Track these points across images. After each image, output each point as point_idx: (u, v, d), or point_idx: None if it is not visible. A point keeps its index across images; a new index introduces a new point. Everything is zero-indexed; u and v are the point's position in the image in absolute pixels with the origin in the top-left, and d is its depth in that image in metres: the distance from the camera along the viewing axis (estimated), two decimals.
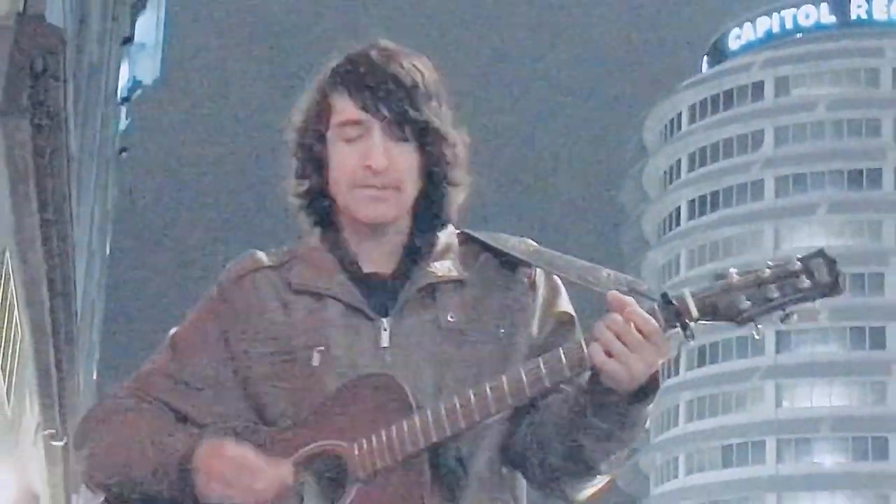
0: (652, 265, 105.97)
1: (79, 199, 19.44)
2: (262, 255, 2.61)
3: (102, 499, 2.53)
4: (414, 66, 2.50)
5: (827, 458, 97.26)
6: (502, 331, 2.51)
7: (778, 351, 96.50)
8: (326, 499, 2.35)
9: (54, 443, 22.71)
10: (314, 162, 2.54)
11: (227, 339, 2.52)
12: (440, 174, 2.54)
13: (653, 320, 2.29)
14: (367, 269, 2.53)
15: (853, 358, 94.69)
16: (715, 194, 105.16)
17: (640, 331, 2.27)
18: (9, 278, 14.53)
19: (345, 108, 2.48)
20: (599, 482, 2.50)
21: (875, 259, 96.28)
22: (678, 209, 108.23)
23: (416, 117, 2.47)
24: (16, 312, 15.77)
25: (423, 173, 2.52)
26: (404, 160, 2.48)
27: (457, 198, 2.58)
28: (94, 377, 41.96)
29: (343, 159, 2.49)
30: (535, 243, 2.59)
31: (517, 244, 2.58)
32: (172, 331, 2.60)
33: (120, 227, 47.26)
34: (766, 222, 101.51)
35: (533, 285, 2.57)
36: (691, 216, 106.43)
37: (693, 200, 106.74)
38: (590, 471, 2.45)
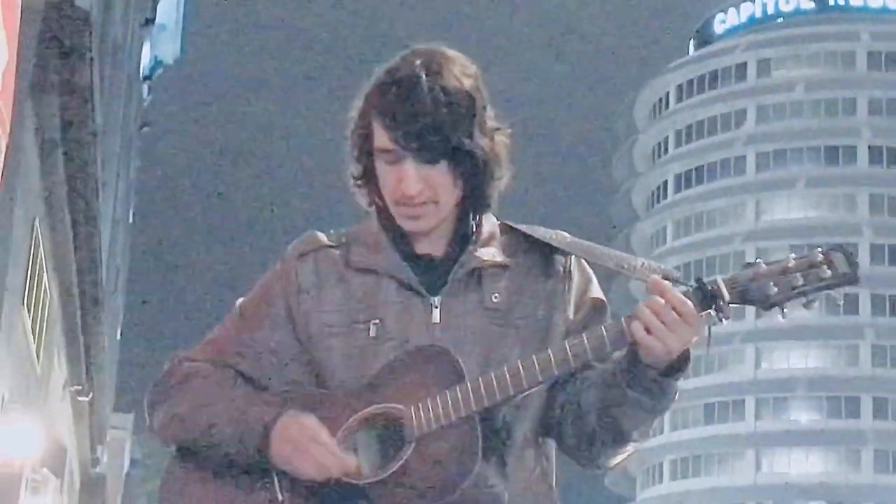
0: (641, 235, 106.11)
1: (103, 170, 19.41)
2: (322, 235, 2.64)
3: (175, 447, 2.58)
4: (444, 84, 2.45)
5: (803, 416, 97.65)
6: (541, 313, 2.55)
7: (757, 316, 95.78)
8: (384, 456, 2.39)
9: (80, 398, 22.76)
10: (366, 154, 2.56)
11: (290, 311, 2.56)
12: (478, 180, 2.54)
13: (689, 303, 2.35)
14: (419, 250, 2.57)
15: (828, 323, 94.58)
16: (700, 169, 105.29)
17: (677, 312, 2.34)
18: (38, 244, 14.53)
19: (381, 136, 2.49)
20: (628, 450, 2.57)
21: (849, 230, 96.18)
22: (665, 183, 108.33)
23: (444, 147, 2.46)
24: (45, 276, 15.78)
25: (461, 180, 2.53)
26: (439, 179, 2.49)
27: (497, 188, 2.60)
28: (118, 337, 41.98)
29: (384, 178, 2.53)
30: (568, 235, 2.63)
31: (554, 235, 2.62)
32: (240, 300, 2.65)
33: (142, 196, 47.22)
34: (748, 195, 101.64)
35: (568, 273, 2.61)
36: (678, 189, 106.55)
37: (679, 175, 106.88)
38: (622, 439, 2.51)
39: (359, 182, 2.60)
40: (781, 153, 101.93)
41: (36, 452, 13.91)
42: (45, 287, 16.03)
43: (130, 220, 44.02)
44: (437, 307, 2.51)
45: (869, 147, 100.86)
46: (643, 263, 2.54)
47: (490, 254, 2.56)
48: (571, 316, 2.58)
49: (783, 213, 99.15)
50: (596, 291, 2.65)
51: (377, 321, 2.50)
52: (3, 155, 3.99)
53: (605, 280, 2.75)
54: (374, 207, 2.62)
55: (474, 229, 2.59)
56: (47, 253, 15.69)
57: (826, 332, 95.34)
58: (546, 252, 2.61)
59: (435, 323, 2.49)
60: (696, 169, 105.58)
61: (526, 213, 2.62)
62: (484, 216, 2.62)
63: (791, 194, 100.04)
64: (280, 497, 2.44)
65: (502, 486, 2.43)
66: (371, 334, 2.49)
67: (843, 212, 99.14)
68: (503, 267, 2.56)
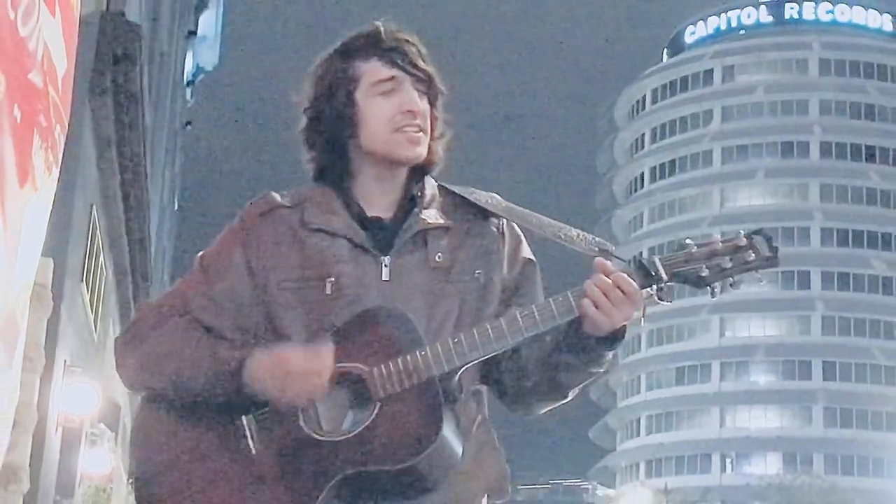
0: (620, 220, 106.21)
1: (152, 163, 19.43)
2: (278, 195, 2.56)
3: (145, 395, 2.49)
4: (414, 39, 2.53)
5: (761, 378, 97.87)
6: (479, 271, 2.49)
7: (721, 290, 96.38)
8: (351, 413, 2.31)
9: (116, 352, 22.77)
10: (345, 120, 2.50)
11: (250, 266, 2.47)
12: (435, 126, 2.55)
13: (633, 283, 2.31)
14: (370, 213, 2.50)
15: (783, 296, 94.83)
16: (672, 162, 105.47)
17: (622, 290, 2.29)
18: (95, 228, 14.52)
19: (377, 69, 2.48)
20: (560, 403, 2.53)
21: (802, 215, 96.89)
22: (642, 174, 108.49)
23: (431, 74, 2.51)
24: (101, 256, 15.77)
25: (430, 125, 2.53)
26: (425, 109, 2.50)
27: (439, 150, 2.58)
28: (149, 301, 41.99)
29: (381, 111, 2.47)
30: (501, 199, 2.58)
31: (489, 199, 2.56)
32: (200, 253, 2.56)
33: (185, 186, 47.20)
34: (714, 185, 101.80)
35: (502, 234, 2.55)
36: (653, 180, 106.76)
37: (655, 167, 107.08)
38: (559, 394, 2.48)
39: (339, 142, 2.53)
40: (743, 148, 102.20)
41: (93, 410, 13.91)
42: (102, 265, 16.03)
43: (176, 207, 44.00)
44: (386, 266, 2.43)
45: (820, 143, 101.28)
46: (578, 234, 2.47)
47: (433, 216, 2.50)
48: (506, 273, 2.52)
49: (745, 201, 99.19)
50: (526, 251, 2.59)
51: (332, 279, 2.41)
52: (62, 149, 3.95)
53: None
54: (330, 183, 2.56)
55: (420, 193, 2.53)
56: (103, 235, 15.68)
57: (782, 304, 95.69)
58: (481, 213, 2.55)
59: (385, 280, 2.42)
60: (668, 162, 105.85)
61: (518, 200, 2.57)
62: (426, 179, 2.56)
63: (751, 184, 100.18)
64: (252, 446, 2.35)
65: (456, 444, 2.34)
66: (326, 291, 2.40)
67: (797, 199, 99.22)
68: (445, 228, 2.49)
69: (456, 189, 2.58)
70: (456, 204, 2.56)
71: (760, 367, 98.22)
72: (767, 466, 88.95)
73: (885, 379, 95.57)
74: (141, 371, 2.46)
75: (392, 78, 2.47)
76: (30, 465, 9.22)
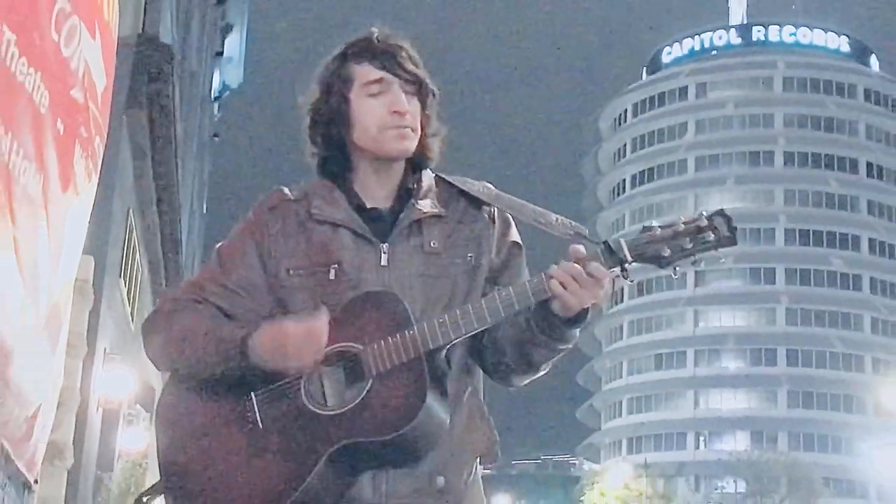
0: (604, 222, 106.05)
1: (183, 171, 19.42)
2: (286, 190, 2.55)
3: (169, 375, 2.50)
4: (406, 44, 2.51)
5: (731, 364, 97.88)
6: (470, 255, 2.46)
7: (696, 285, 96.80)
8: (346, 388, 2.29)
9: (142, 336, 22.73)
10: (341, 119, 2.49)
11: (261, 255, 2.46)
12: (428, 124, 2.53)
13: (601, 268, 2.26)
14: (369, 204, 2.49)
15: (751, 290, 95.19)
16: (651, 169, 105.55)
17: (590, 274, 2.25)
18: (132, 229, 14.54)
19: (368, 72, 2.46)
20: (532, 378, 2.49)
21: (768, 218, 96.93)
22: (624, 180, 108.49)
23: (420, 76, 2.48)
24: (137, 254, 15.79)
25: (420, 122, 2.51)
26: (414, 108, 2.48)
27: (436, 146, 2.56)
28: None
29: (371, 110, 2.45)
30: (493, 187, 2.56)
31: (481, 188, 2.54)
32: (218, 245, 2.56)
33: (213, 192, 47.21)
34: (689, 190, 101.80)
35: (492, 220, 2.52)
36: (634, 185, 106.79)
37: (635, 174, 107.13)
38: (532, 369, 2.44)
39: (327, 138, 2.52)
40: (715, 157, 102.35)
41: (130, 393, 13.95)
42: (138, 263, 16.05)
43: (204, 210, 43.96)
44: (385, 252, 2.42)
45: (784, 152, 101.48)
46: (557, 219, 2.45)
47: (428, 205, 2.48)
48: (494, 255, 2.50)
49: (716, 204, 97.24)
50: (514, 235, 2.57)
51: (335, 265, 2.40)
52: (101, 158, 3.96)
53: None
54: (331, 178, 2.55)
55: (416, 186, 2.51)
56: (139, 236, 15.70)
57: (750, 297, 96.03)
58: (475, 202, 2.53)
59: (384, 266, 2.40)
60: (647, 169, 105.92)
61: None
62: (423, 172, 2.55)
63: (722, 189, 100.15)
64: (258, 420, 2.33)
65: (443, 414, 2.32)
66: (330, 276, 2.39)
67: (763, 203, 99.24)
68: (439, 217, 2.48)
69: (451, 179, 2.56)
70: (451, 193, 2.54)
71: (730, 354, 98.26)
72: (737, 443, 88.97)
73: (843, 365, 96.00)
74: (163, 354, 2.48)
75: (381, 80, 2.45)
76: (73, 442, 9.22)
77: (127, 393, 13.70)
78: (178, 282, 20.36)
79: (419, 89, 2.49)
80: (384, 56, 2.46)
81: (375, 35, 2.50)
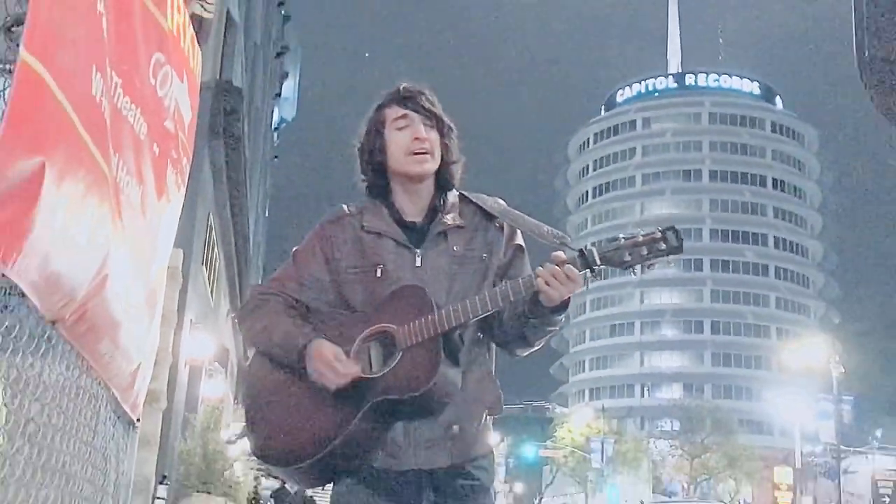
0: (572, 224, 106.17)
1: (249, 184, 19.43)
2: (346, 207, 2.55)
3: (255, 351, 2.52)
4: (427, 92, 2.52)
5: (668, 332, 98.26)
6: (484, 255, 2.46)
7: (642, 272, 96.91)
8: (385, 358, 2.30)
9: (236, 321, 22.85)
10: (378, 149, 2.49)
11: (326, 257, 2.47)
12: (448, 153, 2.51)
13: (576, 271, 2.26)
14: (407, 219, 2.49)
15: (684, 276, 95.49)
16: (607, 183, 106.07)
17: (566, 275, 2.25)
18: (211, 228, 14.55)
19: (395, 111, 2.48)
20: (530, 350, 2.49)
21: (697, 220, 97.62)
22: (587, 192, 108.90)
23: (436, 113, 2.49)
24: (215, 248, 15.80)
25: (440, 150, 2.50)
26: (432, 137, 2.48)
27: (458, 171, 2.55)
28: (259, 284, 41.98)
29: (398, 139, 2.47)
30: (504, 203, 2.55)
31: (493, 203, 2.53)
32: (294, 250, 2.55)
33: (273, 201, 47.32)
34: (636, 200, 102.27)
35: (502, 228, 2.51)
36: (594, 196, 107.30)
37: (595, 187, 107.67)
38: (527, 344, 2.44)
39: (369, 166, 2.52)
40: (656, 174, 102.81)
41: (210, 353, 13.98)
42: (215, 254, 16.07)
43: (266, 214, 44.08)
44: (419, 256, 2.42)
45: (709, 170, 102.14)
46: (548, 230, 2.43)
47: (452, 219, 2.48)
48: (502, 257, 2.49)
49: (657, 211, 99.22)
50: (518, 240, 2.55)
51: (381, 266, 2.41)
52: (188, 174, 3.95)
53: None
54: (378, 197, 2.54)
55: (443, 203, 2.51)
56: (217, 234, 15.71)
57: (683, 281, 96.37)
58: (488, 214, 2.52)
59: (418, 266, 2.41)
60: (605, 183, 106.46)
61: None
62: (448, 192, 2.54)
63: (662, 199, 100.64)
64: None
65: (455, 377, 2.33)
66: (377, 274, 2.40)
67: (693, 210, 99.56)
68: (460, 227, 2.47)
69: (471, 196, 2.55)
70: (470, 208, 2.53)
71: (668, 325, 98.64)
72: (672, 393, 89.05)
73: (754, 333, 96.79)
74: (250, 339, 2.49)
75: (405, 116, 2.46)
76: (166, 391, 9.22)
77: (207, 353, 13.73)
78: (246, 268, 20.41)
79: (437, 123, 2.49)
80: (407, 99, 2.48)
81: (402, 86, 2.51)
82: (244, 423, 2.49)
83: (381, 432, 2.32)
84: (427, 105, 2.48)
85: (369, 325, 2.34)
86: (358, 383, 2.29)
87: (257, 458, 2.46)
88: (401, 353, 2.28)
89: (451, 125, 2.53)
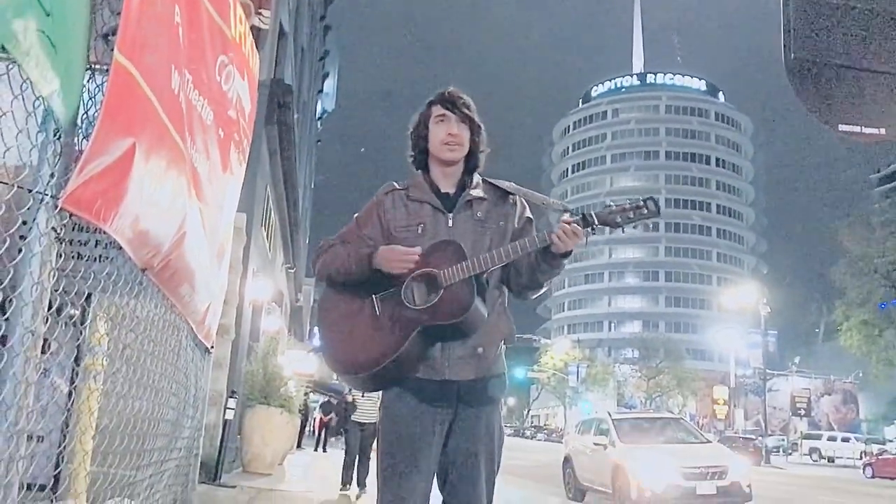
0: (555, 194, 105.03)
1: (299, 161, 19.36)
2: (396, 183, 2.58)
3: (325, 282, 2.53)
4: (466, 97, 2.54)
5: (631, 280, 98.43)
6: (501, 223, 2.49)
7: (610, 232, 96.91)
8: (429, 294, 2.35)
9: (289, 270, 22.85)
10: (422, 136, 2.54)
11: (381, 219, 2.50)
12: (475, 145, 2.54)
13: (580, 228, 2.34)
14: (443, 190, 2.52)
15: (644, 235, 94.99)
16: (584, 162, 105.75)
17: (574, 232, 2.33)
18: (268, 197, 14.52)
19: (437, 110, 2.51)
20: (538, 293, 2.52)
21: (655, 192, 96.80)
22: (567, 168, 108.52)
23: (469, 115, 2.51)
24: (271, 213, 15.79)
25: (469, 144, 2.52)
26: (464, 133, 2.50)
27: (482, 159, 2.57)
28: (307, 241, 42.06)
29: (437, 131, 2.50)
30: (515, 184, 2.58)
31: (507, 184, 2.56)
32: (356, 215, 2.59)
33: (318, 176, 47.21)
34: (606, 175, 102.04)
35: (515, 203, 2.54)
36: (573, 172, 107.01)
37: (574, 164, 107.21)
38: (538, 286, 2.48)
39: (416, 148, 2.55)
40: (623, 154, 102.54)
41: (269, 295, 14.03)
42: (272, 218, 16.06)
43: (312, 186, 43.96)
44: (451, 218, 2.45)
45: (665, 151, 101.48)
46: (553, 201, 2.49)
47: (477, 192, 2.50)
48: (516, 224, 2.51)
49: (623, 183, 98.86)
50: (528, 213, 2.57)
51: (422, 225, 2.44)
52: (248, 154, 3.94)
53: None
54: (420, 171, 2.56)
55: (470, 181, 2.53)
56: (272, 202, 15.69)
57: (644, 240, 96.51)
58: (504, 191, 2.55)
59: (450, 226, 2.44)
60: (581, 162, 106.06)
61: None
62: (475, 174, 2.56)
63: (627, 174, 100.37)
64: (377, 311, 2.38)
65: (483, 310, 2.36)
66: (419, 232, 2.43)
67: (652, 182, 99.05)
68: (483, 199, 2.50)
69: (491, 180, 2.59)
70: (490, 187, 2.56)
71: (631, 274, 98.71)
72: (634, 328, 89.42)
73: (699, 281, 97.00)
74: (323, 268, 2.50)
75: (444, 115, 2.51)
76: (234, 324, 9.31)
77: (266, 295, 13.77)
78: (297, 230, 20.39)
79: (469, 123, 2.52)
80: (448, 102, 2.51)
81: (447, 91, 2.55)
82: (319, 341, 2.52)
83: (424, 351, 2.36)
84: (462, 109, 2.51)
85: (417, 268, 2.36)
86: (409, 312, 2.34)
87: (331, 369, 2.51)
88: (442, 290, 2.32)
89: (481, 125, 2.56)
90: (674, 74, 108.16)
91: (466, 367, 2.38)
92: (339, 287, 2.47)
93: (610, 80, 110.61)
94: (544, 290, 2.50)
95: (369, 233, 2.50)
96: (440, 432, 2.36)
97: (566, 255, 2.38)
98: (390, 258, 2.36)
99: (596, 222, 2.35)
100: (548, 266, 2.40)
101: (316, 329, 2.68)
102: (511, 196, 2.54)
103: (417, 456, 2.33)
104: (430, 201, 2.48)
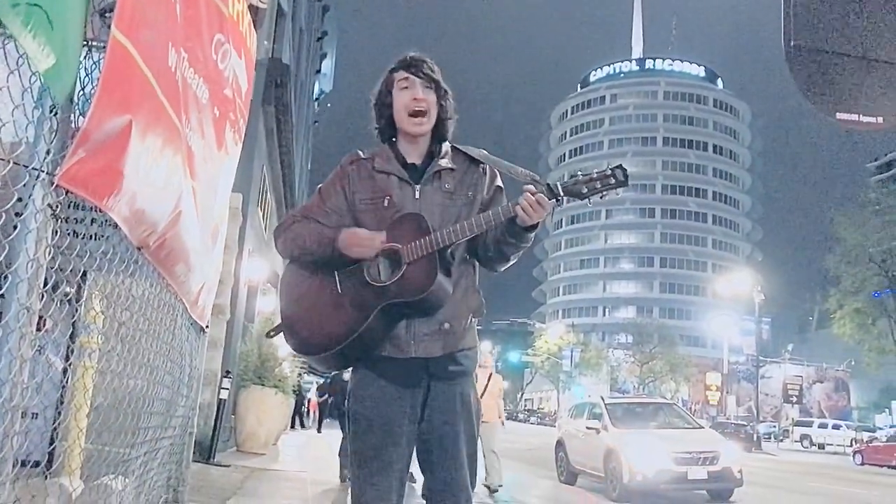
0: (552, 179, 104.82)
1: (295, 142, 19.28)
2: (361, 152, 2.51)
3: (289, 262, 2.48)
4: (430, 61, 2.45)
5: (626, 266, 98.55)
6: (470, 193, 2.42)
7: (606, 217, 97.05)
8: (391, 270, 2.29)
9: (273, 238, 22.75)
10: (386, 104, 2.45)
11: (345, 191, 2.43)
12: (443, 111, 2.45)
13: (546, 198, 2.25)
14: (409, 161, 2.45)
15: (640, 221, 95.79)
16: (582, 147, 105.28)
17: (539, 202, 2.24)
18: (265, 178, 14.49)
19: (401, 75, 2.42)
20: (506, 266, 2.45)
21: (652, 177, 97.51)
22: (564, 153, 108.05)
23: (434, 77, 2.43)
24: (267, 193, 15.76)
25: (436, 109, 2.44)
26: (430, 98, 2.42)
27: (451, 126, 2.49)
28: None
29: (401, 97, 2.41)
30: (486, 152, 2.50)
31: (478, 152, 2.48)
32: (319, 186, 2.51)
33: (314, 157, 47.00)
34: (604, 160, 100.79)
35: (485, 171, 2.47)
36: (570, 156, 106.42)
37: (572, 150, 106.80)
38: (505, 259, 2.40)
39: (381, 118, 2.46)
40: (620, 140, 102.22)
41: (264, 276, 14.04)
42: (268, 199, 16.03)
43: (308, 167, 43.78)
44: (417, 190, 2.38)
45: (662, 137, 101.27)
46: (521, 170, 2.38)
47: (445, 162, 2.42)
48: (486, 194, 2.44)
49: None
50: (498, 182, 2.49)
51: (388, 197, 2.37)
52: (244, 133, 3.92)
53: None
54: (386, 142, 2.48)
55: (438, 150, 2.46)
56: (268, 183, 15.65)
57: (639, 225, 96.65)
58: (474, 160, 2.47)
59: (417, 199, 2.36)
60: (579, 147, 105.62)
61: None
62: (443, 143, 2.48)
63: (624, 160, 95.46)
64: (339, 289, 2.33)
65: (448, 286, 2.32)
66: (384, 204, 2.36)
67: (649, 168, 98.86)
68: (451, 169, 2.42)
69: (460, 147, 2.51)
70: (460, 155, 2.48)
71: (626, 260, 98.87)
72: (628, 313, 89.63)
73: (694, 268, 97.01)
74: (285, 247, 2.45)
75: (407, 78, 2.41)
76: (230, 304, 9.32)
77: (262, 276, 13.79)
78: (293, 209, 20.37)
79: (434, 87, 2.43)
80: (411, 66, 2.42)
81: (409, 55, 2.46)
82: (279, 323, 2.45)
83: (388, 329, 2.32)
84: (427, 71, 2.42)
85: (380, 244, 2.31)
86: (371, 289, 2.28)
87: (292, 349, 2.45)
88: (405, 266, 2.26)
89: (447, 89, 2.46)
90: (672, 60, 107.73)
91: (434, 343, 2.33)
92: (302, 263, 2.42)
93: (609, 65, 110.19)
94: (512, 262, 2.44)
95: (333, 205, 2.43)
96: (412, 413, 2.32)
97: (532, 227, 2.29)
98: (352, 244, 2.30)
99: (561, 193, 2.26)
100: (513, 239, 2.32)
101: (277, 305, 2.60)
102: (482, 164, 2.47)
103: (389, 440, 2.29)
104: (396, 172, 2.40)
